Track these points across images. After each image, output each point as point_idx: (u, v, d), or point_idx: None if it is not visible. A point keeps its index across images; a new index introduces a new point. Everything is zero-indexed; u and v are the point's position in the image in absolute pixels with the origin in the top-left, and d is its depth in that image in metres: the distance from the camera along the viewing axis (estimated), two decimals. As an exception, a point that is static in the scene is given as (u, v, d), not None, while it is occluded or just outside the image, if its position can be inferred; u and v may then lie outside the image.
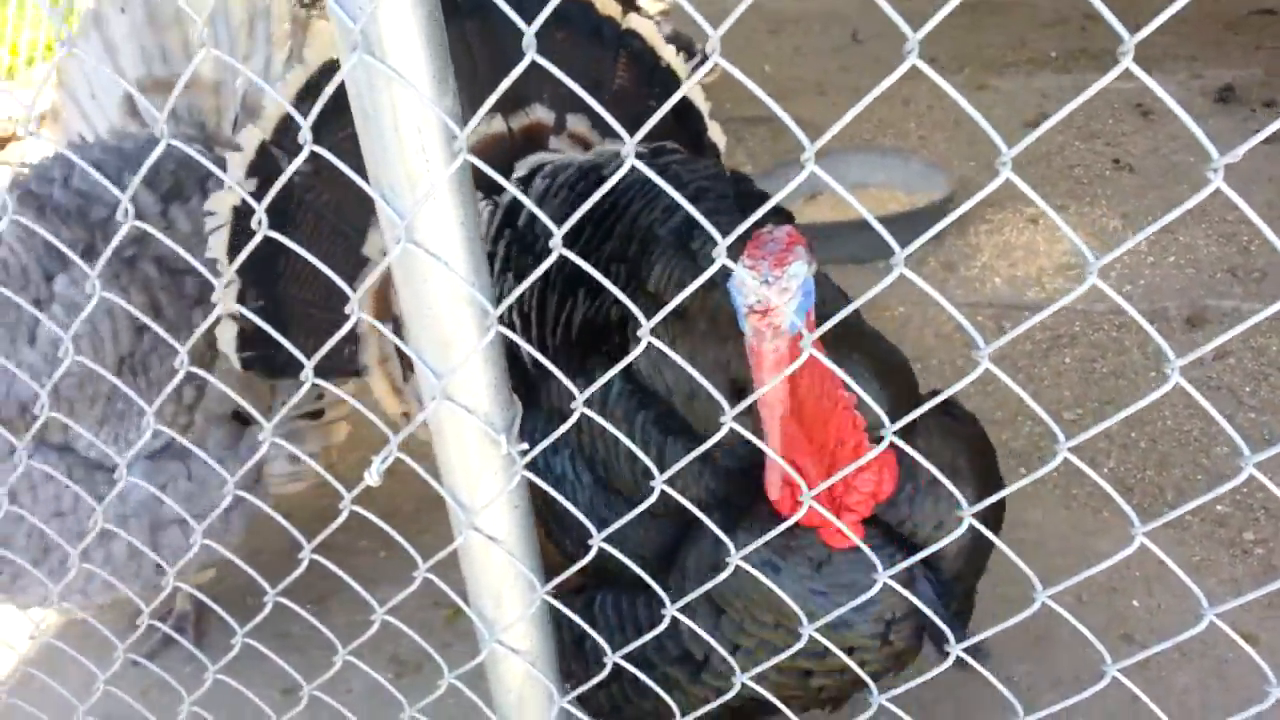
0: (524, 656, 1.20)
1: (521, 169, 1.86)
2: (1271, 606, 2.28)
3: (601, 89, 1.93)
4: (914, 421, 1.02)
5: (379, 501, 1.24)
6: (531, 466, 1.11)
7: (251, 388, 2.12)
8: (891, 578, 1.18)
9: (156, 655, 2.40)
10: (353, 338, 1.92)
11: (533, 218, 1.73)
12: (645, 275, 1.55)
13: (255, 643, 1.55)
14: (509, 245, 1.75)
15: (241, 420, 2.18)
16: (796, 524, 1.20)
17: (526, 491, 1.14)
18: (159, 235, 1.30)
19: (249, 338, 1.83)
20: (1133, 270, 3.53)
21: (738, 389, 1.40)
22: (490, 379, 1.04)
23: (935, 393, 1.20)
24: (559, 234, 0.90)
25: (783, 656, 1.31)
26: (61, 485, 1.90)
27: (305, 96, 1.71)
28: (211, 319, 1.51)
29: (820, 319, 1.15)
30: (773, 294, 1.13)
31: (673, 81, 2.01)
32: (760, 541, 1.25)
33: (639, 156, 1.72)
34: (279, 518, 1.51)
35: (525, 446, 1.06)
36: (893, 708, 1.21)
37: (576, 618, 1.26)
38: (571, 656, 1.44)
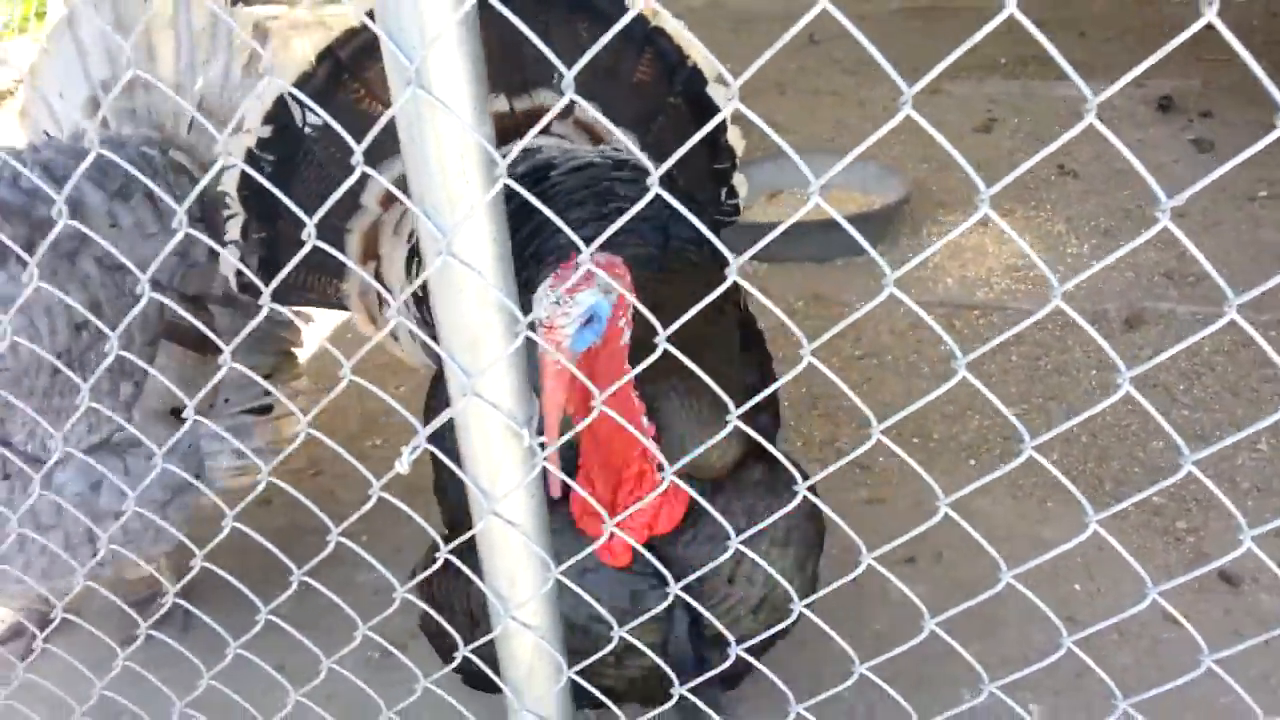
0: (535, 631, 1.31)
1: (514, 150, 2.00)
2: (1202, 590, 2.46)
3: (618, 80, 2.02)
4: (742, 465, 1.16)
5: (363, 488, 1.34)
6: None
7: (191, 383, 2.17)
8: (642, 608, 1.37)
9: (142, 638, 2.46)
10: (339, 274, 2.12)
11: None
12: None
13: (277, 619, 1.63)
14: None
15: (178, 418, 2.22)
16: (581, 528, 1.38)
17: (541, 480, 1.24)
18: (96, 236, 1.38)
19: (247, 265, 2.03)
20: (1075, 273, 3.69)
21: None
22: (514, 378, 1.14)
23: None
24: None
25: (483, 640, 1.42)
26: None
27: (321, 60, 1.96)
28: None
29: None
30: (557, 314, 1.29)
31: (698, 80, 2.10)
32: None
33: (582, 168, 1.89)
34: (225, 508, 1.57)
35: (545, 439, 1.17)
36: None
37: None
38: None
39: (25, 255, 1.47)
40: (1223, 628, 2.35)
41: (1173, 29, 0.78)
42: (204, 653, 1.85)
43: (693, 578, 1.39)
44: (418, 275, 1.76)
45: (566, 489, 1.45)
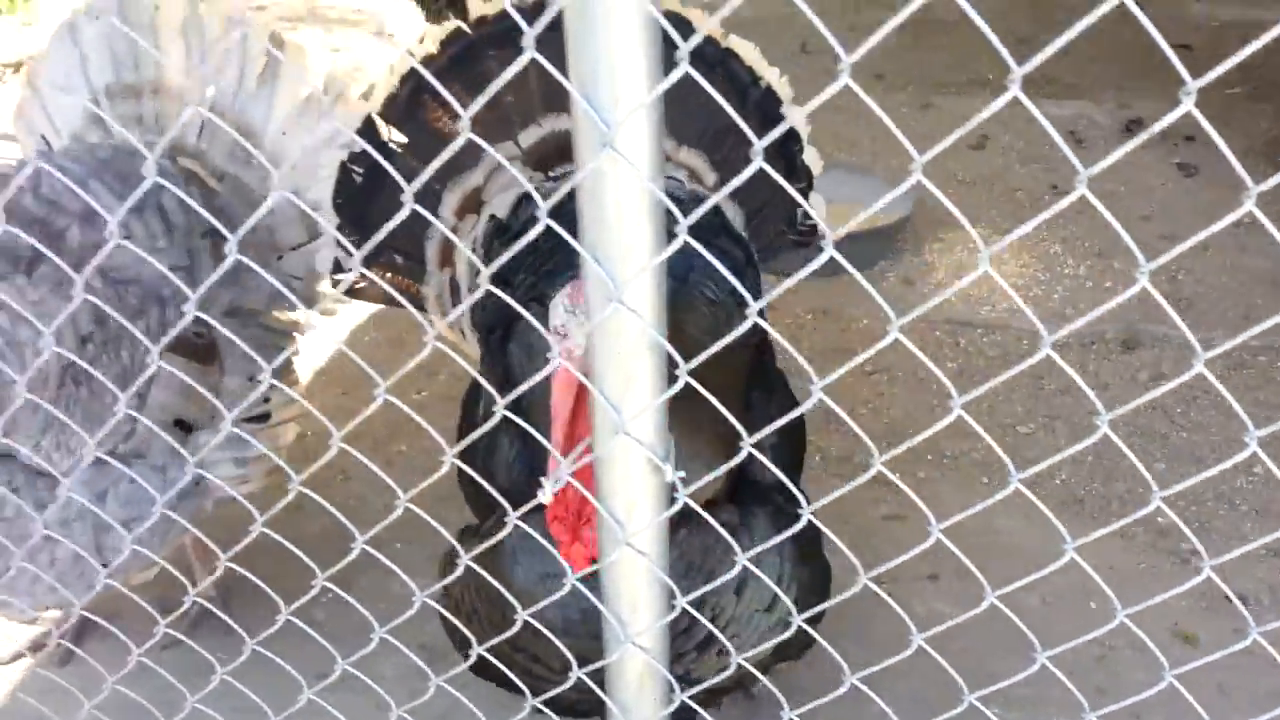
0: (649, 654, 1.36)
1: (555, 171, 2.16)
2: (1210, 609, 2.57)
3: (688, 101, 2.09)
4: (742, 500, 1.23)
5: (383, 497, 1.39)
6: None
7: (192, 395, 2.21)
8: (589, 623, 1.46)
9: (176, 646, 2.47)
10: (419, 278, 2.27)
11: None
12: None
13: (298, 621, 1.69)
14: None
15: (184, 427, 2.26)
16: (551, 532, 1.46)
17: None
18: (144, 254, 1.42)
19: (339, 265, 2.25)
20: (1074, 294, 3.82)
21: None
22: (660, 418, 1.19)
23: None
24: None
25: (499, 638, 1.55)
26: (6, 490, 1.97)
27: (405, 81, 2.14)
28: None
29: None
30: (572, 324, 1.37)
31: (771, 101, 2.16)
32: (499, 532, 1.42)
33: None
34: (248, 507, 1.61)
35: (683, 474, 1.22)
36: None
37: None
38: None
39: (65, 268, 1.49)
40: (1232, 645, 2.45)
41: (1152, 46, 0.84)
42: (247, 659, 1.87)
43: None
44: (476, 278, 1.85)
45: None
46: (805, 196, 2.27)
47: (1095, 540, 1.29)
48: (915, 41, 6.05)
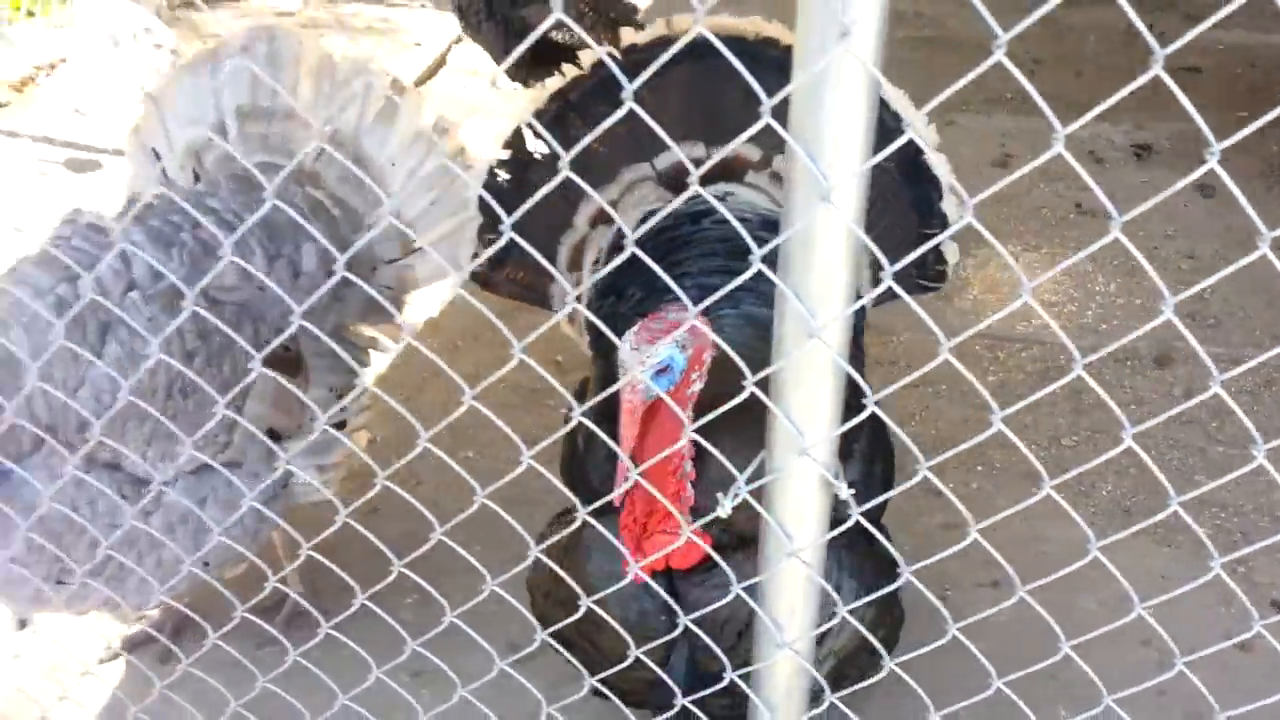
0: (801, 656, 1.46)
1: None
2: (1260, 617, 2.68)
3: None
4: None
5: (466, 497, 1.50)
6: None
7: (283, 408, 2.35)
8: (644, 625, 1.65)
9: (274, 643, 2.55)
10: (550, 277, 2.42)
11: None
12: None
13: (383, 616, 1.80)
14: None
15: (274, 437, 2.38)
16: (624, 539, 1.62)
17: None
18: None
19: (475, 257, 2.42)
20: (1106, 311, 3.95)
21: None
22: (835, 437, 1.29)
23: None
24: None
25: (566, 621, 1.69)
26: (115, 499, 2.06)
27: (553, 100, 2.33)
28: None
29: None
30: (634, 361, 1.51)
31: (912, 146, 2.22)
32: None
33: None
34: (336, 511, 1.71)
35: (854, 491, 1.32)
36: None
37: None
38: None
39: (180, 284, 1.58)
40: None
41: (1164, 69, 0.94)
42: (339, 658, 1.98)
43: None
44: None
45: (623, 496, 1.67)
46: (940, 244, 2.32)
47: (1145, 551, 1.41)
48: (930, 60, 6.19)
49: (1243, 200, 1.05)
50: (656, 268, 1.27)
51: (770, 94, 1.01)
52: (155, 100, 2.58)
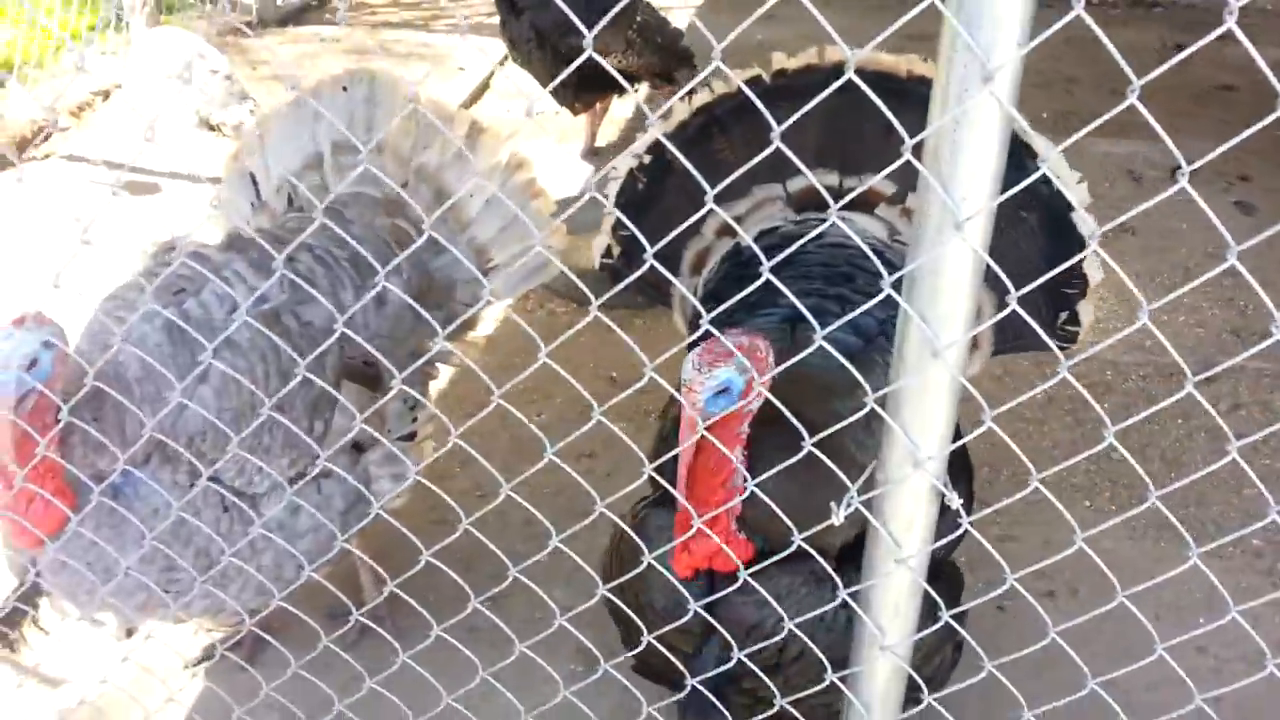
0: (901, 658, 1.54)
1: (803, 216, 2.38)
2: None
3: None
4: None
5: (520, 513, 1.58)
6: None
7: (367, 421, 2.41)
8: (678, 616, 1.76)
9: (354, 647, 2.65)
10: (667, 282, 2.45)
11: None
12: None
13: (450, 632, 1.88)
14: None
15: (357, 449, 2.48)
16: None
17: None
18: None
19: (608, 253, 2.54)
20: (1153, 326, 4.01)
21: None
22: (947, 452, 1.38)
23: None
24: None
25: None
26: (219, 510, 2.17)
27: (697, 114, 2.43)
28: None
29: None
30: (694, 380, 1.63)
31: (1060, 203, 2.21)
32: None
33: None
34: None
35: (963, 501, 1.40)
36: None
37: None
38: None
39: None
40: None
41: (1195, 88, 1.02)
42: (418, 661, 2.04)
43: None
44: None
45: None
46: (1074, 301, 2.31)
47: (1193, 562, 1.46)
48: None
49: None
50: (785, 288, 1.35)
51: (912, 131, 1.10)
52: (258, 129, 2.74)
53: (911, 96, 2.09)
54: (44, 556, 1.99)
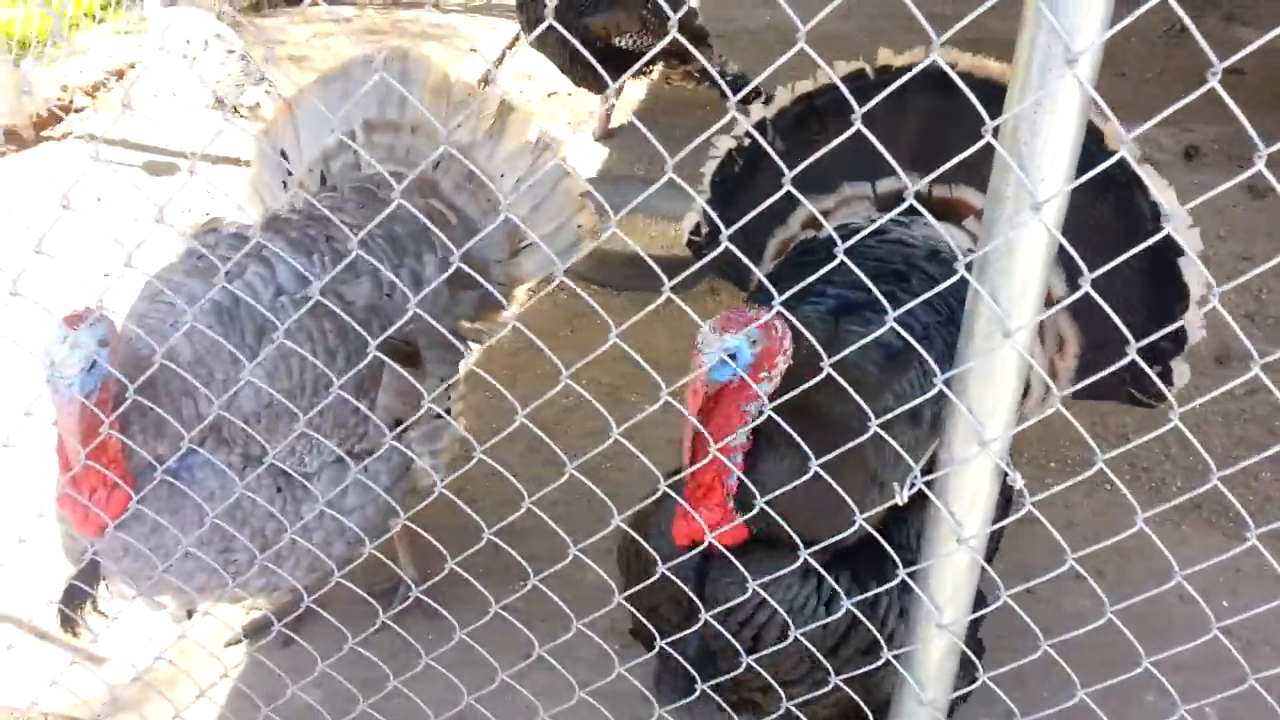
0: (956, 636, 1.57)
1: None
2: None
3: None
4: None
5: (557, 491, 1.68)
6: None
7: (406, 398, 2.47)
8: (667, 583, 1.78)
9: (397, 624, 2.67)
10: (756, 263, 2.53)
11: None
12: None
13: (506, 613, 1.94)
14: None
15: (400, 426, 2.49)
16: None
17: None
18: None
19: (696, 230, 2.57)
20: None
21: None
22: (1011, 433, 1.40)
23: None
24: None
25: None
26: (273, 491, 2.19)
27: (798, 101, 2.42)
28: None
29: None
30: (704, 344, 1.67)
31: (1171, 249, 2.04)
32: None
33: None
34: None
35: (1025, 481, 1.42)
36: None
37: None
38: None
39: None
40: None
41: (1205, 70, 1.03)
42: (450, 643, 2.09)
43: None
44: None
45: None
46: (1168, 357, 2.16)
47: (1217, 545, 1.51)
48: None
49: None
50: (865, 280, 1.37)
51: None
52: (289, 106, 2.74)
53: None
54: (105, 542, 2.01)
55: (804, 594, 1.79)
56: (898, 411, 1.47)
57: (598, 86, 5.18)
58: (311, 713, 2.31)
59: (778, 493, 1.61)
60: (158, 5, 5.12)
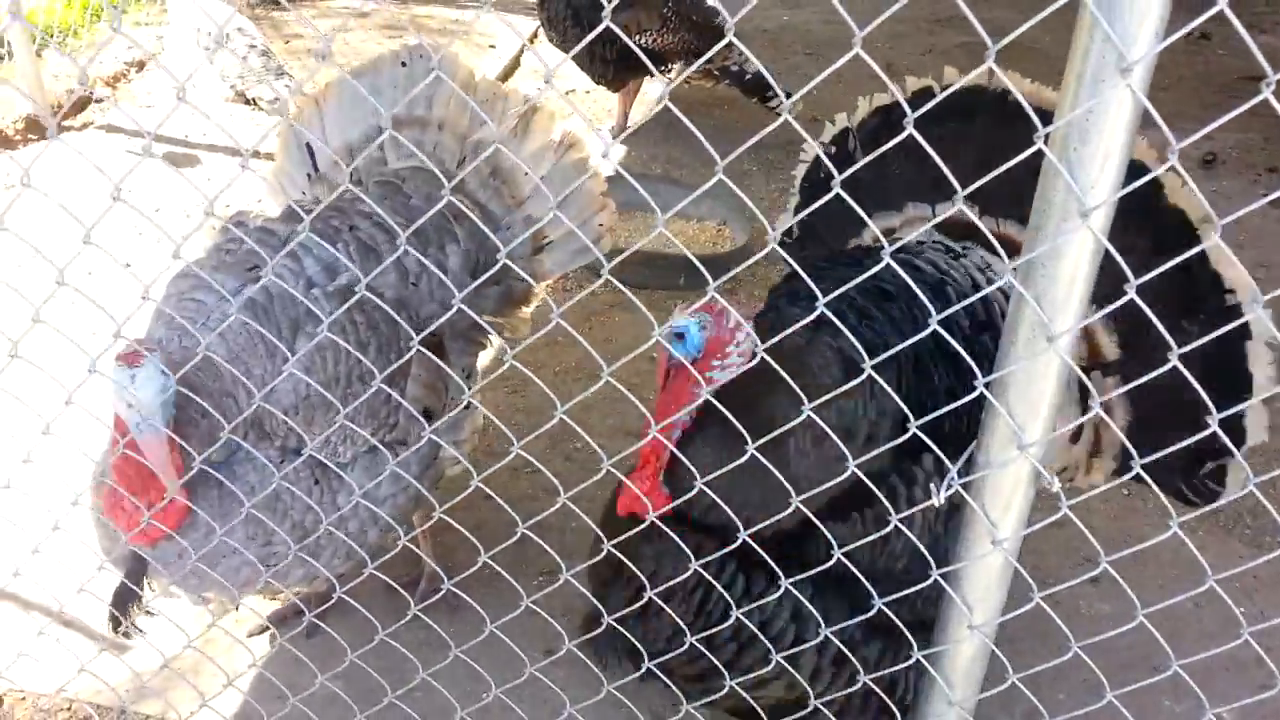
0: (986, 636, 1.58)
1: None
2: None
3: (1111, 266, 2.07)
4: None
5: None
6: None
7: (432, 389, 2.51)
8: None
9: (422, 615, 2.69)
10: None
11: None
12: None
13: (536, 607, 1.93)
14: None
15: (427, 415, 2.53)
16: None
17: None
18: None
19: (789, 233, 2.59)
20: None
21: None
22: (1052, 437, 1.41)
23: None
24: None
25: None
26: (311, 482, 2.22)
27: (876, 112, 2.45)
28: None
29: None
30: (669, 324, 1.83)
31: (1231, 312, 1.91)
32: None
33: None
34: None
35: (1063, 486, 1.43)
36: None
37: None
38: None
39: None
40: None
41: (1223, 78, 1.04)
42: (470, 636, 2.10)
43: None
44: None
45: None
46: (1223, 455, 1.95)
47: (1235, 552, 1.51)
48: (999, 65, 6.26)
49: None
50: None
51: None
52: (316, 100, 2.76)
53: None
54: (161, 549, 2.03)
55: (709, 574, 1.79)
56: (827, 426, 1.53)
57: (616, 84, 5.19)
58: (334, 703, 2.33)
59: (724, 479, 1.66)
60: (178, -3, 5.14)
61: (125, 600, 2.07)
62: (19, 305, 1.72)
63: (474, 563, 1.91)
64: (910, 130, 1.18)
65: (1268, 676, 2.83)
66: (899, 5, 1.17)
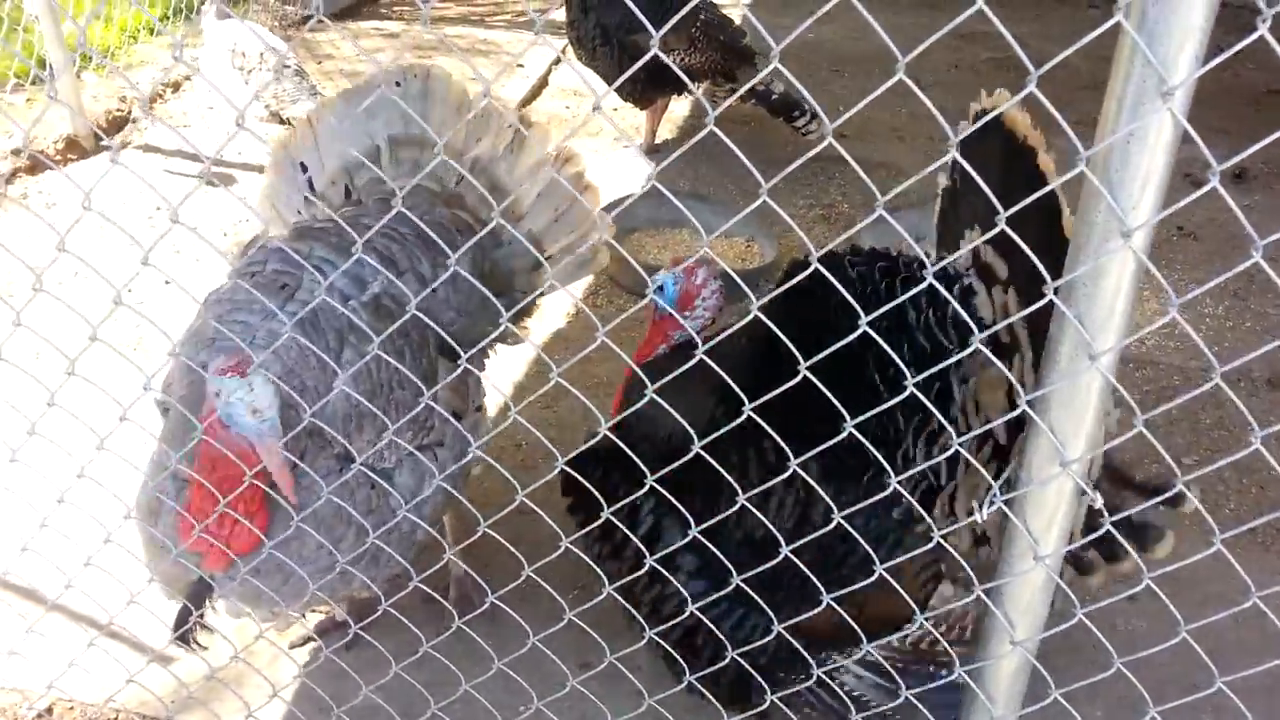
0: (1027, 648, 1.60)
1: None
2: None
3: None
4: None
5: None
6: None
7: (458, 392, 2.56)
8: None
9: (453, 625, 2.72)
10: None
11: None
12: None
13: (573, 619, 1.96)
14: None
15: (456, 417, 2.56)
16: None
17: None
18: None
19: None
20: (1217, 334, 4.05)
21: None
22: (1094, 453, 1.42)
23: None
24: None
25: None
26: (368, 489, 2.25)
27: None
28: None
29: None
30: (655, 278, 2.13)
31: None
32: None
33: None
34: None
35: (1104, 501, 1.45)
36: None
37: None
38: None
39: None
40: None
41: (1249, 92, 1.05)
42: (513, 650, 2.14)
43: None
44: None
45: None
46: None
47: (1272, 568, 1.51)
48: (1014, 82, 6.28)
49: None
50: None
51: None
52: (310, 120, 2.79)
53: None
54: (233, 572, 2.08)
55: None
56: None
57: (644, 103, 5.24)
58: (376, 714, 2.36)
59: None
60: (213, 19, 5.22)
61: (188, 618, 2.11)
62: (73, 321, 1.77)
63: (512, 575, 1.94)
64: (954, 153, 1.20)
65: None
66: (949, 28, 1.19)
